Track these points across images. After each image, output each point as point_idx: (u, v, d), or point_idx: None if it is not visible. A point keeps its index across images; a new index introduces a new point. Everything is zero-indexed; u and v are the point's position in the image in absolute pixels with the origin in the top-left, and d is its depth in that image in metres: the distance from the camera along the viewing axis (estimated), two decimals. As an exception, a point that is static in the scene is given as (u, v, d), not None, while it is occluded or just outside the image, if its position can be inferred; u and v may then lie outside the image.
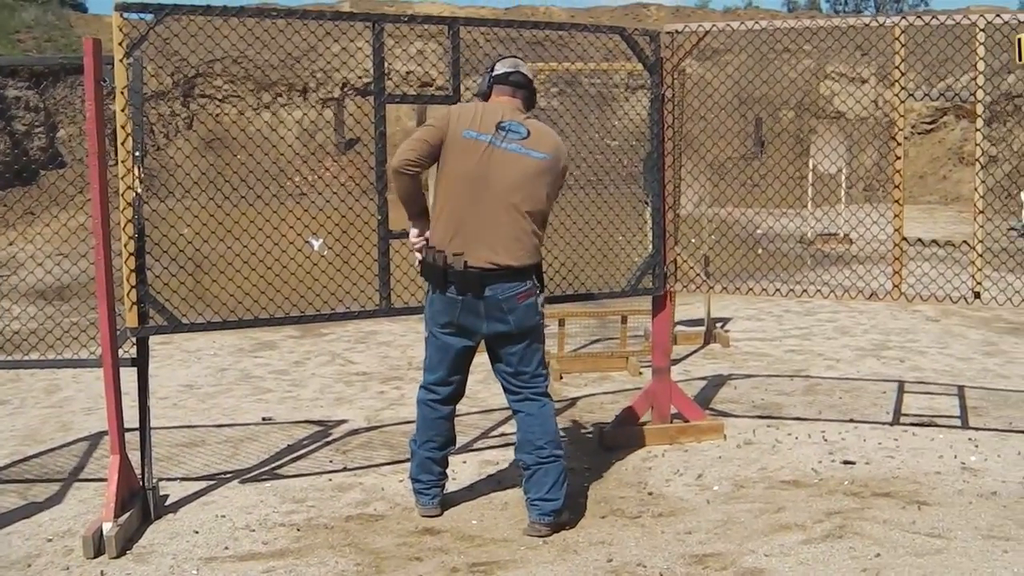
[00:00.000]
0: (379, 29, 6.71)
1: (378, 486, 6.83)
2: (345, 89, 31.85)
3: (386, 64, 6.84)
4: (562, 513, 6.04)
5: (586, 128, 7.90)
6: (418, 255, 6.12)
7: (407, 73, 30.54)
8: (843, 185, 19.86)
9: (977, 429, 7.82)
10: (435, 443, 6.28)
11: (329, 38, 7.62)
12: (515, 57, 6.28)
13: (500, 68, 6.16)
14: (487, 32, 7.95)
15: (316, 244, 8.46)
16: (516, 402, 6.17)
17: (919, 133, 33.57)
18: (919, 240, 7.42)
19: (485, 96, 6.18)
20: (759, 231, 9.54)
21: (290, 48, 8.33)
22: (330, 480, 6.97)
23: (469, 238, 5.84)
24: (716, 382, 9.53)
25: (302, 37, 7.24)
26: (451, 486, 6.56)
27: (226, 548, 5.84)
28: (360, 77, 29.39)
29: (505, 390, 6.22)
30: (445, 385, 6.20)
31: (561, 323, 10.03)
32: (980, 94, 7.37)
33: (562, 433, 6.42)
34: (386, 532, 6.06)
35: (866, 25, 7.69)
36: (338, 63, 26.57)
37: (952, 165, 31.31)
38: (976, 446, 7.41)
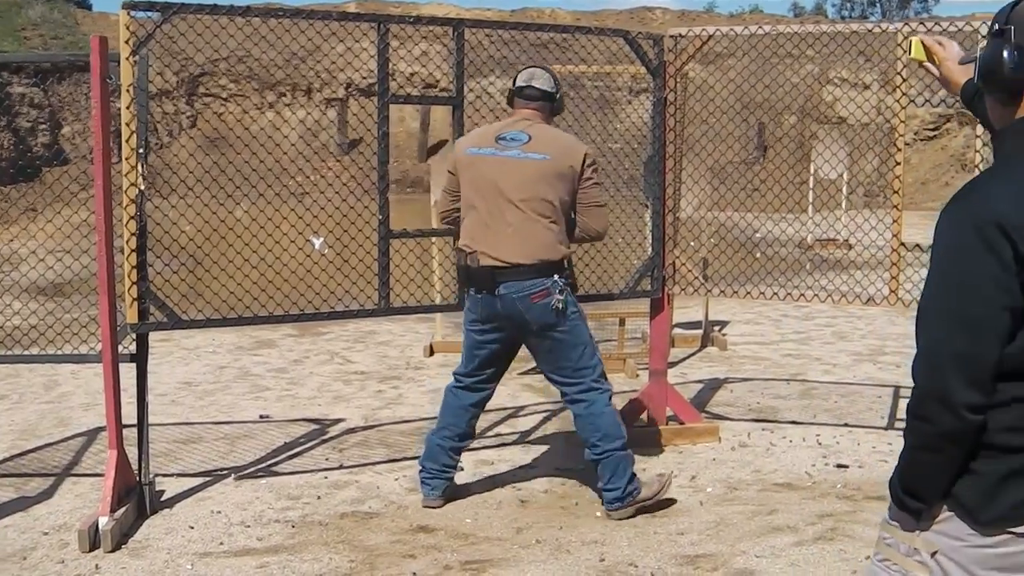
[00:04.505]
0: (384, 30, 6.75)
1: (373, 484, 6.87)
2: (349, 89, 31.92)
3: (390, 65, 6.88)
4: (631, 497, 6.24)
5: (588, 131, 7.91)
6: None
7: (411, 74, 30.61)
8: (844, 190, 19.90)
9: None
10: (448, 432, 6.47)
11: (334, 38, 7.64)
12: (535, 67, 6.44)
13: (518, 81, 6.36)
14: (491, 34, 7.99)
15: (317, 243, 8.50)
16: (566, 402, 6.45)
17: (922, 140, 33.65)
18: (917, 246, 7.45)
19: (510, 105, 6.44)
20: (758, 235, 9.53)
21: (295, 48, 8.37)
22: (326, 478, 7.00)
23: (481, 238, 6.11)
24: (712, 385, 9.56)
25: (308, 37, 7.30)
26: (445, 485, 6.60)
27: (221, 543, 5.88)
28: (364, 78, 29.44)
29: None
30: (469, 376, 6.46)
31: (560, 324, 10.05)
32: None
33: (616, 425, 6.43)
34: (380, 530, 6.10)
35: (869, 31, 7.70)
36: (343, 63, 26.64)
37: (955, 172, 31.35)
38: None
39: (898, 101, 7.33)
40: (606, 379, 6.41)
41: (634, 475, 6.31)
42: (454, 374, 6.55)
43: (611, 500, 6.26)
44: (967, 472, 2.58)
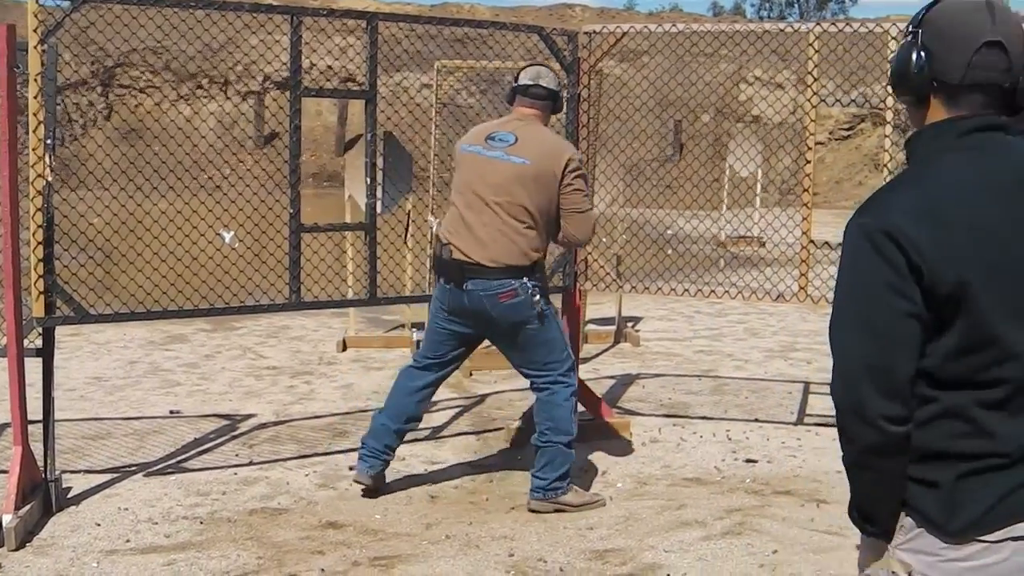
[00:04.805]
0: (297, 22, 6.71)
1: (283, 480, 6.83)
2: (265, 83, 31.72)
3: (308, 59, 6.85)
4: (554, 493, 6.26)
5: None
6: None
7: (327, 68, 30.42)
8: (757, 188, 20.09)
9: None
10: (392, 411, 6.52)
11: (247, 30, 7.61)
12: (539, 65, 6.52)
13: (523, 78, 6.41)
14: (406, 28, 7.97)
15: (227, 237, 8.42)
16: (532, 389, 6.50)
17: (837, 139, 34.09)
18: (826, 243, 7.52)
19: (511, 103, 6.49)
20: (669, 231, 9.63)
21: (208, 39, 8.28)
22: (235, 474, 6.95)
23: (457, 233, 6.18)
24: (625, 381, 9.60)
25: (220, 28, 7.22)
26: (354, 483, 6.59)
27: (128, 541, 5.81)
28: (278, 71, 29.23)
29: None
30: (428, 359, 6.51)
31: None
32: (890, 101, 7.54)
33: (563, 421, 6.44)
34: (289, 526, 6.06)
35: (781, 31, 7.80)
36: (256, 55, 26.45)
37: (868, 171, 31.78)
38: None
39: (809, 100, 7.42)
40: (574, 373, 6.48)
41: (567, 475, 6.33)
42: (414, 356, 6.63)
43: (535, 488, 6.30)
44: (927, 484, 2.53)
